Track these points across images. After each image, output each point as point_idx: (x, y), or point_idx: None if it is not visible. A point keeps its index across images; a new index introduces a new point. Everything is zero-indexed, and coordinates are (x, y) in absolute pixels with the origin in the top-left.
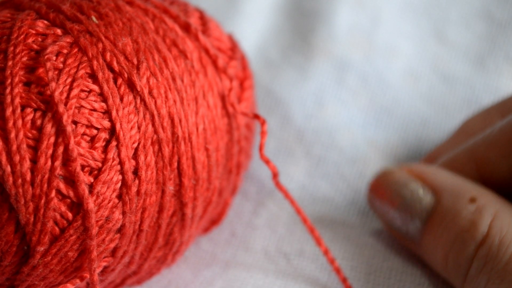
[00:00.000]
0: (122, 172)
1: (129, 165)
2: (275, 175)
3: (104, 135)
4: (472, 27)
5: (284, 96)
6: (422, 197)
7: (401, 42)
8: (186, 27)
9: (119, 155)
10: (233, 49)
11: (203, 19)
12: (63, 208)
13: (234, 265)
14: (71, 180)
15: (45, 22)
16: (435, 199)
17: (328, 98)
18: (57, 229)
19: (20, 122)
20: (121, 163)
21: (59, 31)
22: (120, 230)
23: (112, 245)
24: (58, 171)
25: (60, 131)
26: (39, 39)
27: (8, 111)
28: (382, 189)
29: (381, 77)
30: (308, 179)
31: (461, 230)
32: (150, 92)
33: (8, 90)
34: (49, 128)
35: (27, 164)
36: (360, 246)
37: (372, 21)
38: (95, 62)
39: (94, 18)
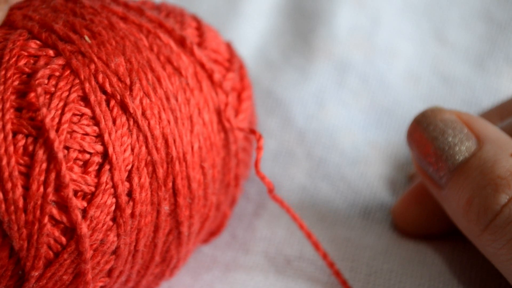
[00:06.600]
0: (115, 195)
1: (123, 188)
2: (270, 191)
3: (97, 159)
4: (472, 28)
5: (284, 97)
6: (465, 141)
7: (401, 43)
8: (181, 42)
9: (112, 178)
10: (231, 59)
11: (200, 30)
12: (57, 233)
13: (234, 268)
14: (64, 206)
15: (38, 42)
16: (477, 146)
17: (329, 99)
18: (51, 253)
19: (11, 148)
20: (114, 186)
21: (51, 52)
22: (115, 252)
23: (108, 267)
24: (51, 197)
25: (52, 157)
26: (31, 61)
27: (0, 137)
28: (428, 123)
29: (382, 78)
30: (309, 180)
31: (496, 177)
32: (143, 113)
33: None
34: (40, 155)
35: (19, 191)
36: (360, 247)
37: (372, 22)
38: (87, 85)
39: (87, 38)
